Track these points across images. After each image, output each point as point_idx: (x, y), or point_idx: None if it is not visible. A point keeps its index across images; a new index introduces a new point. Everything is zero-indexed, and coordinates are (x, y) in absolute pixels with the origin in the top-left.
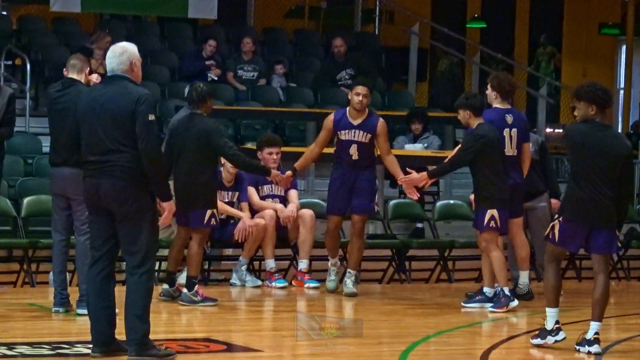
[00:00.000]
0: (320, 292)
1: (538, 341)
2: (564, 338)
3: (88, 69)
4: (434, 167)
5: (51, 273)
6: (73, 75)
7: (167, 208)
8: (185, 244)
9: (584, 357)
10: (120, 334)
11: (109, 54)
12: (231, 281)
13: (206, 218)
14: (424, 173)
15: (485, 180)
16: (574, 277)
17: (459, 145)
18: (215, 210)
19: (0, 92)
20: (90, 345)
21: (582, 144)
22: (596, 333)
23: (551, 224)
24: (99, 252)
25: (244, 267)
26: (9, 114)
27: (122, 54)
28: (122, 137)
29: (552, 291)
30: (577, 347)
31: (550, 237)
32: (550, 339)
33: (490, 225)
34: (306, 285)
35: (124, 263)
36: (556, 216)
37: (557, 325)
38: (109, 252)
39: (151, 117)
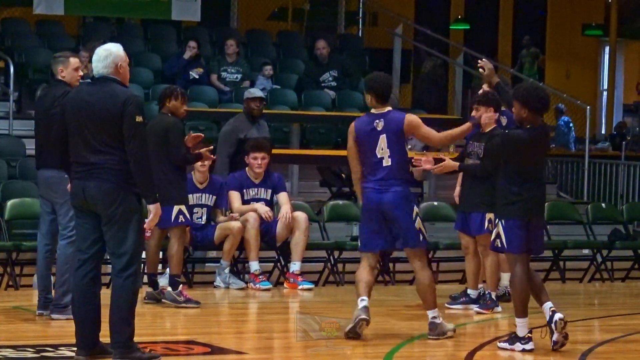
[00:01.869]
0: (307, 294)
1: (505, 345)
2: (532, 349)
3: (60, 68)
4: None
5: (35, 276)
6: (56, 76)
7: (153, 211)
8: (159, 244)
9: (566, 356)
10: (105, 336)
11: (94, 57)
12: (215, 284)
13: (173, 215)
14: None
15: (487, 184)
16: (557, 279)
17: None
18: (183, 207)
19: None
20: (75, 348)
21: (521, 149)
22: (551, 308)
23: (494, 234)
24: (85, 255)
25: (226, 270)
26: None
27: (106, 57)
28: (109, 138)
29: (519, 300)
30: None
31: (498, 246)
32: (518, 346)
33: (489, 228)
34: (300, 287)
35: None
36: (495, 221)
37: (529, 335)
38: (96, 254)
39: (139, 118)
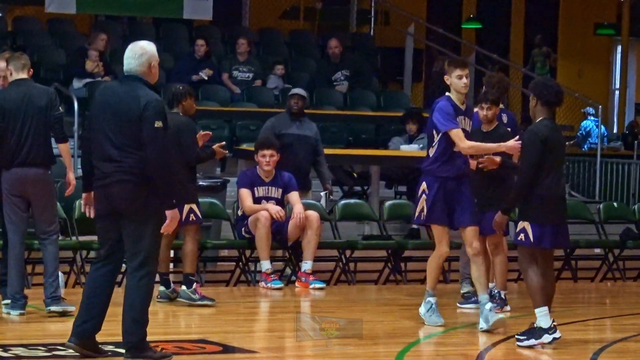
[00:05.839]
0: (318, 293)
1: (532, 342)
2: (560, 337)
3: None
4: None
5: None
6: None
7: (169, 216)
8: (170, 243)
9: (578, 355)
10: (117, 335)
11: (127, 53)
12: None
13: (184, 214)
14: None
15: (498, 183)
16: (569, 278)
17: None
18: (194, 206)
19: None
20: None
21: (546, 143)
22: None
23: (520, 229)
24: (103, 251)
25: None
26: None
27: (142, 55)
28: (130, 140)
29: (538, 291)
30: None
31: (523, 240)
32: (547, 338)
33: None
34: (312, 286)
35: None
36: (520, 221)
37: (554, 323)
38: (116, 254)
39: (158, 124)
